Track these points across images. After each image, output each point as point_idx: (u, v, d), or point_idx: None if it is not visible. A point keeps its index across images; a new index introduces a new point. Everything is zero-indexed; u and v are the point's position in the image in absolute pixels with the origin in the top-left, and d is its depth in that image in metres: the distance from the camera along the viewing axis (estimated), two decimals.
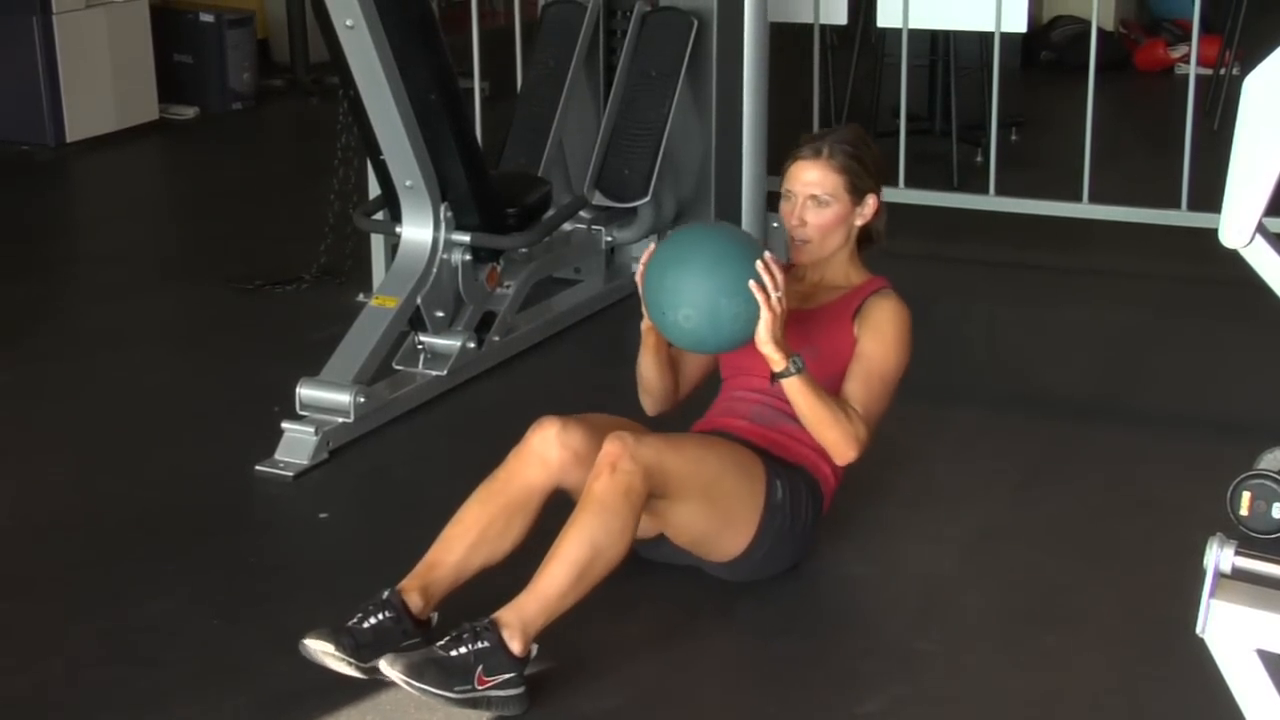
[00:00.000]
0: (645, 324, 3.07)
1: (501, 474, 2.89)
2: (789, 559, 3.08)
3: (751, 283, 2.87)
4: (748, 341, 2.93)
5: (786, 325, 2.93)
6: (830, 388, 3.02)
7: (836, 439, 2.97)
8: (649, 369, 3.17)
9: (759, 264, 2.89)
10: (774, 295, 2.88)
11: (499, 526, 2.84)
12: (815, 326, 3.11)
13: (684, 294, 2.91)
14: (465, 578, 2.83)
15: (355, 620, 2.71)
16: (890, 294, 3.16)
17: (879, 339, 3.09)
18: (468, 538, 2.83)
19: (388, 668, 2.59)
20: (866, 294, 3.15)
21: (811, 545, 3.12)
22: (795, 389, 2.94)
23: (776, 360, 2.92)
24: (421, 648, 2.69)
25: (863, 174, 3.13)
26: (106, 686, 2.78)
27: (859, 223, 3.16)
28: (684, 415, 3.25)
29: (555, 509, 2.87)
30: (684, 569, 3.07)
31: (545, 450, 2.88)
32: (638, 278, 3.02)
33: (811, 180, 3.11)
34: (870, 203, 3.15)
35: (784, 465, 3.04)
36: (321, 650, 2.67)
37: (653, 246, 3.02)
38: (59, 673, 2.83)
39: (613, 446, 2.76)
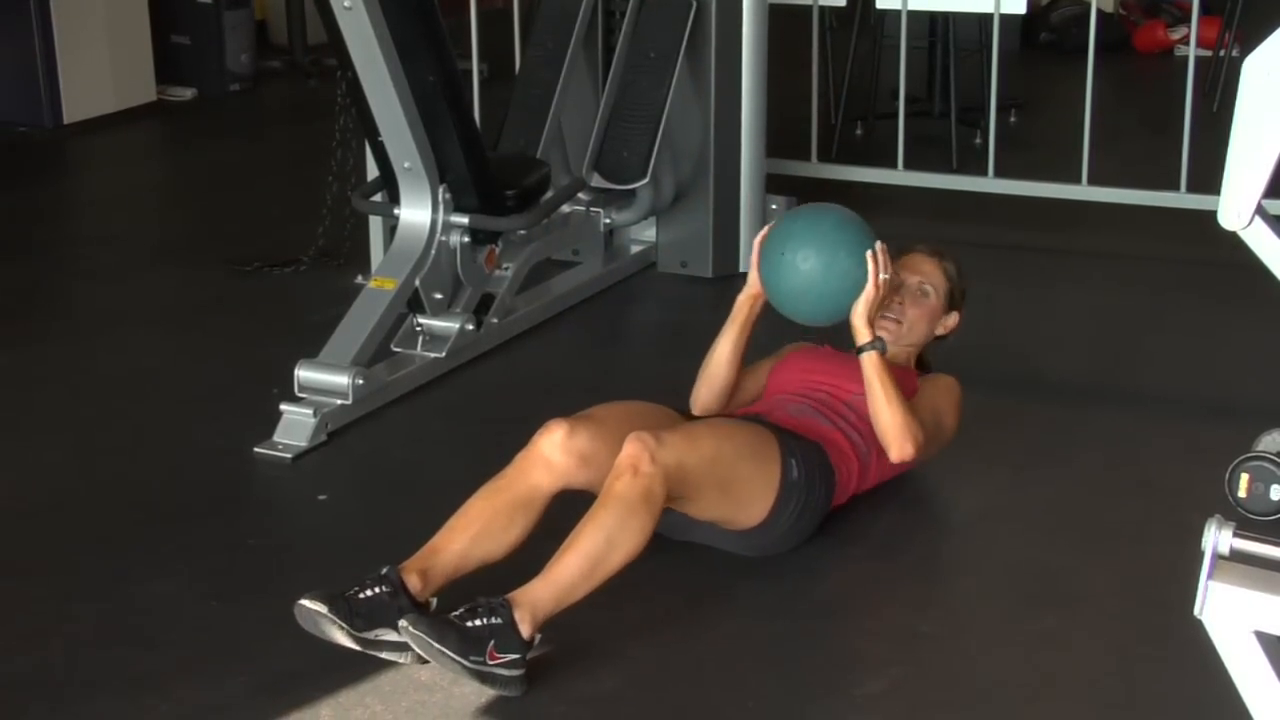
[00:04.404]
0: (746, 293, 3.25)
1: (508, 472, 2.91)
2: (800, 536, 3.10)
3: (868, 253, 3.11)
4: (840, 313, 3.14)
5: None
6: None
7: (899, 424, 3.12)
8: (724, 349, 3.27)
9: (877, 244, 3.14)
10: (882, 275, 3.12)
11: (502, 521, 2.85)
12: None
13: (811, 237, 3.13)
14: (466, 569, 2.84)
15: (352, 590, 2.72)
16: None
17: (941, 396, 3.32)
18: (471, 529, 2.84)
19: (407, 626, 2.60)
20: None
21: (818, 524, 3.13)
22: (873, 363, 3.13)
23: (863, 333, 3.13)
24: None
25: (958, 292, 3.44)
26: (106, 667, 2.78)
27: (939, 332, 3.44)
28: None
29: (562, 509, 2.87)
30: (684, 549, 3.07)
31: (551, 454, 2.90)
32: (757, 240, 3.22)
33: (926, 271, 3.39)
34: (954, 318, 3.44)
35: (799, 442, 3.08)
36: (315, 611, 2.66)
37: (775, 220, 3.30)
38: (58, 653, 2.83)
39: (634, 447, 2.78)
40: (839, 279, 3.11)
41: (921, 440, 3.14)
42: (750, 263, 3.27)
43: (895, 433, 3.13)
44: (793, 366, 3.35)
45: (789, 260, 3.12)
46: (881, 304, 3.18)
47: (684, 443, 2.88)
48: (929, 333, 3.41)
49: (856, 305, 3.12)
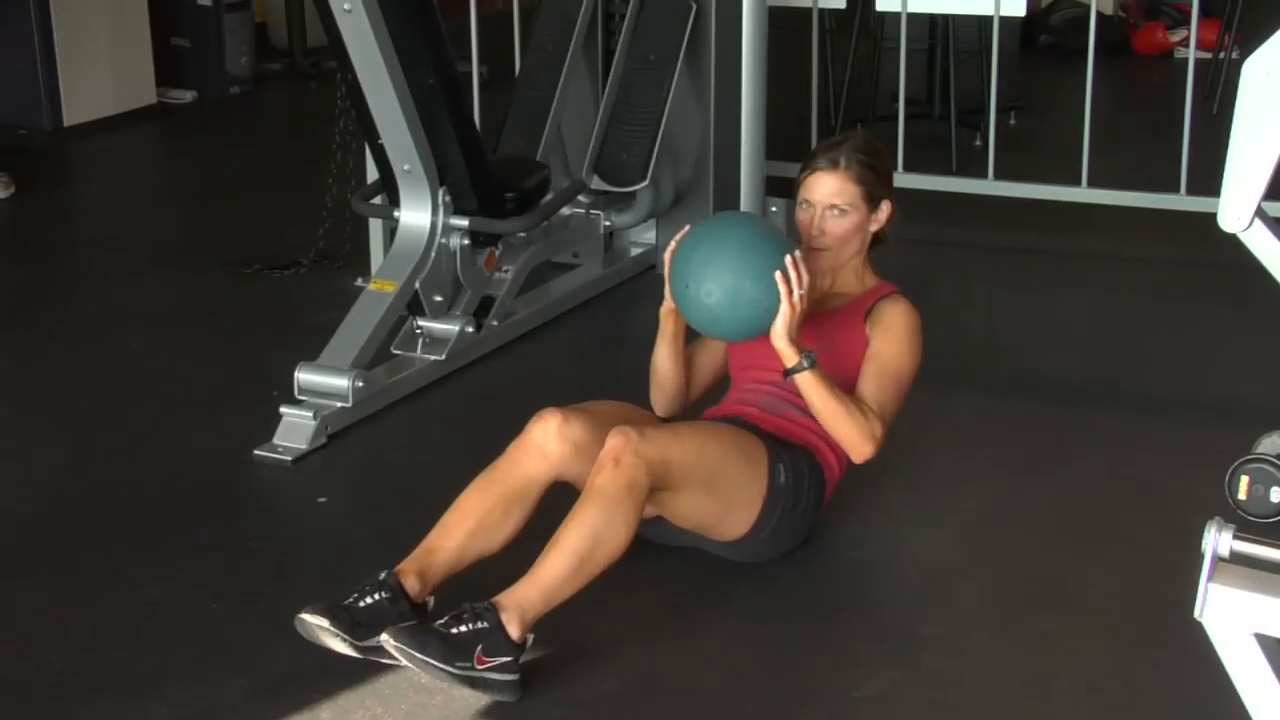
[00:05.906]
0: (665, 308, 3.11)
1: (502, 464, 2.90)
2: (790, 542, 3.09)
3: (778, 274, 2.92)
4: (761, 333, 2.97)
5: (801, 326, 2.97)
6: (844, 386, 3.04)
7: (851, 433, 3.01)
8: (663, 360, 3.19)
9: (788, 259, 2.94)
10: (796, 292, 2.93)
11: (497, 516, 2.84)
12: (828, 326, 3.14)
13: (711, 269, 2.94)
14: (463, 565, 2.84)
15: (351, 599, 2.71)
16: (900, 298, 3.19)
17: (891, 339, 3.12)
18: (466, 525, 2.83)
19: (389, 639, 2.59)
20: (877, 298, 3.19)
21: (811, 529, 3.13)
22: (808, 384, 2.98)
23: (789, 355, 2.96)
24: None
25: (877, 183, 3.19)
26: (105, 669, 2.78)
27: (874, 228, 3.21)
28: (693, 408, 3.26)
29: (555, 500, 2.87)
30: (681, 551, 3.07)
31: (545, 442, 2.88)
32: (666, 255, 3.05)
33: (830, 190, 3.15)
34: (885, 208, 3.20)
35: (787, 447, 3.05)
36: (317, 625, 2.67)
37: (688, 228, 3.07)
38: (58, 655, 2.83)
39: (616, 440, 2.77)
40: (749, 309, 2.95)
41: (880, 434, 3.02)
42: (664, 276, 3.08)
43: (853, 442, 3.02)
44: (750, 348, 3.15)
45: (693, 295, 2.97)
46: (799, 323, 2.97)
47: (668, 437, 2.86)
48: (863, 240, 3.20)
49: (775, 327, 2.94)
